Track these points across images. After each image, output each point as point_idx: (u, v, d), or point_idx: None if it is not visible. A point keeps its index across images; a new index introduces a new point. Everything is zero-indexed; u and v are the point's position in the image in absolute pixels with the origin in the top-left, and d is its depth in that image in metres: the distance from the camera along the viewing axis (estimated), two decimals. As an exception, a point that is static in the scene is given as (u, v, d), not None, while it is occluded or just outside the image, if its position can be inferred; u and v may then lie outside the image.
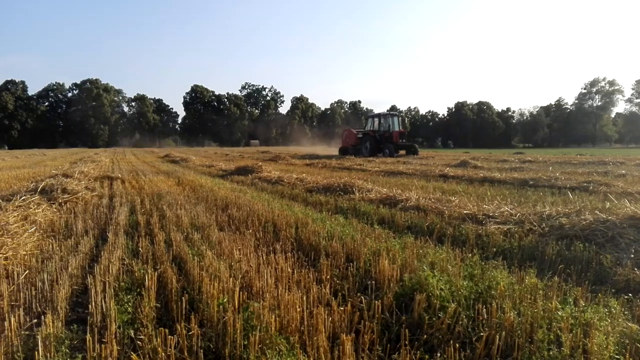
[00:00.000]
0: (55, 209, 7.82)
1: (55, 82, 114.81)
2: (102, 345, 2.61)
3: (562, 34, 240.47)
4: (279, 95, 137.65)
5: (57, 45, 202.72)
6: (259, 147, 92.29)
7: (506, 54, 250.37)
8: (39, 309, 3.49)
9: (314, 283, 3.77)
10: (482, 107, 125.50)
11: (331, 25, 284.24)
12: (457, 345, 2.68)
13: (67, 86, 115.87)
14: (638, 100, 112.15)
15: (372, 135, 33.27)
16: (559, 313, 3.02)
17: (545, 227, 5.61)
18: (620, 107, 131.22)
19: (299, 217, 6.54)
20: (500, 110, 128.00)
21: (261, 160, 24.59)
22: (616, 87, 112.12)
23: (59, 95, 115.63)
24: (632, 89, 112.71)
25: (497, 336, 2.73)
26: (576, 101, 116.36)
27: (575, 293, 3.51)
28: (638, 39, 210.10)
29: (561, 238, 5.16)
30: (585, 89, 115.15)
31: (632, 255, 4.39)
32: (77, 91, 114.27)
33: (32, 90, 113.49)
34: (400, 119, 35.76)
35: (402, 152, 33.04)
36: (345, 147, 35.81)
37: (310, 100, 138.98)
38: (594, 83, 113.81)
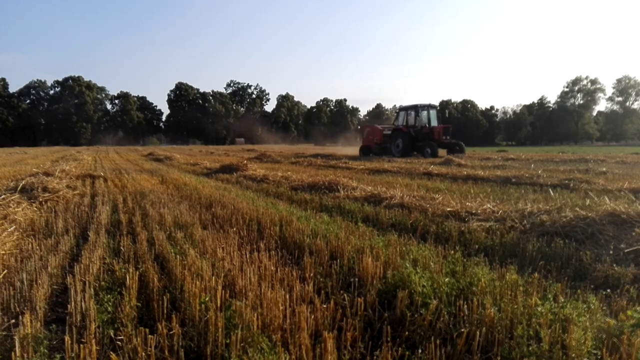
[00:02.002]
0: (36, 207, 7.70)
1: (37, 80, 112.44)
2: (81, 345, 2.57)
3: (545, 33, 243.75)
4: (264, 93, 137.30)
5: (39, 43, 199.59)
6: (245, 145, 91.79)
7: (491, 53, 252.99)
8: (17, 309, 3.43)
9: (297, 281, 3.77)
10: (467, 106, 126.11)
11: (318, 24, 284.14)
12: (438, 341, 2.69)
13: (49, 84, 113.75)
14: (619, 99, 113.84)
15: (406, 132, 27.86)
16: (539, 309, 3.06)
17: (526, 224, 5.67)
18: (602, 105, 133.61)
19: (283, 215, 6.52)
20: (484, 109, 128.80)
21: (246, 158, 24.49)
22: (598, 86, 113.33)
23: (41, 93, 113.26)
24: (613, 87, 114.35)
25: (478, 332, 2.76)
26: (558, 100, 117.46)
27: (555, 289, 3.56)
28: (619, 38, 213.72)
29: (542, 235, 5.23)
30: (567, 87, 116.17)
31: (611, 252, 4.46)
32: (59, 89, 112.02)
33: (13, 88, 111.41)
34: (438, 112, 29.35)
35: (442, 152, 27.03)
36: (368, 145, 30.69)
37: (296, 99, 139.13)
38: (576, 82, 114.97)
